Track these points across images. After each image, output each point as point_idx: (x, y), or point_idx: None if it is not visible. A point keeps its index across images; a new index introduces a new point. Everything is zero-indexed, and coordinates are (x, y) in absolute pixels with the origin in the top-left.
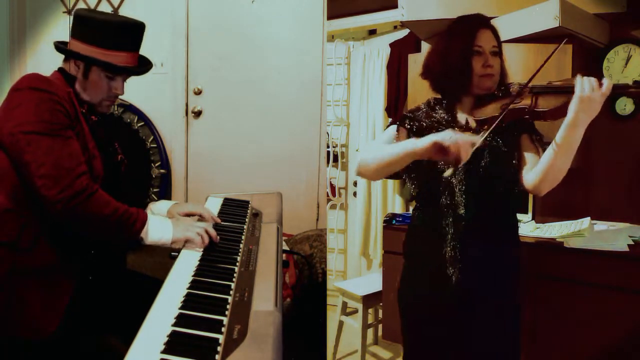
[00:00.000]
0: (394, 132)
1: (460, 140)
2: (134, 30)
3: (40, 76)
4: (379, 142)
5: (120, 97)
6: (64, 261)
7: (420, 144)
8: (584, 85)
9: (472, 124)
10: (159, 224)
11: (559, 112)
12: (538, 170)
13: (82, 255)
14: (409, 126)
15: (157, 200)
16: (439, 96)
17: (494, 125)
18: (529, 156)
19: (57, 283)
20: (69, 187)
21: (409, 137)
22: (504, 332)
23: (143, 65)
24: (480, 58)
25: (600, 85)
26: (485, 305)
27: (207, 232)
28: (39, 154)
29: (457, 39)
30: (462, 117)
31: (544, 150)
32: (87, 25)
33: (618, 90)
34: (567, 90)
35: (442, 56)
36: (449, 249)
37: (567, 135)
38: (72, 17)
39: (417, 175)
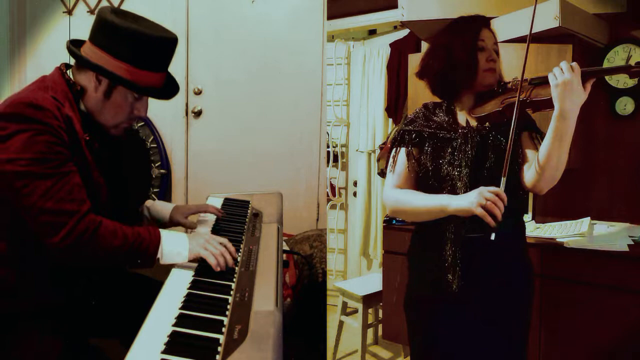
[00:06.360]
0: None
1: (487, 204)
2: (171, 48)
3: (30, 100)
4: (400, 174)
5: None
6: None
7: (453, 206)
8: (555, 73)
9: (473, 122)
10: (174, 244)
11: None
12: (535, 167)
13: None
14: (410, 142)
15: (155, 200)
16: (435, 101)
17: (513, 122)
18: (529, 154)
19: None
20: (72, 231)
21: (410, 151)
22: (507, 341)
23: (170, 86)
24: (484, 53)
25: (572, 67)
26: (487, 314)
27: (226, 249)
28: (36, 198)
29: (461, 34)
30: (462, 117)
31: None
32: (119, 35)
33: (620, 71)
34: None
35: (445, 52)
36: (449, 256)
37: (558, 127)
38: (96, 18)
39: (424, 184)
